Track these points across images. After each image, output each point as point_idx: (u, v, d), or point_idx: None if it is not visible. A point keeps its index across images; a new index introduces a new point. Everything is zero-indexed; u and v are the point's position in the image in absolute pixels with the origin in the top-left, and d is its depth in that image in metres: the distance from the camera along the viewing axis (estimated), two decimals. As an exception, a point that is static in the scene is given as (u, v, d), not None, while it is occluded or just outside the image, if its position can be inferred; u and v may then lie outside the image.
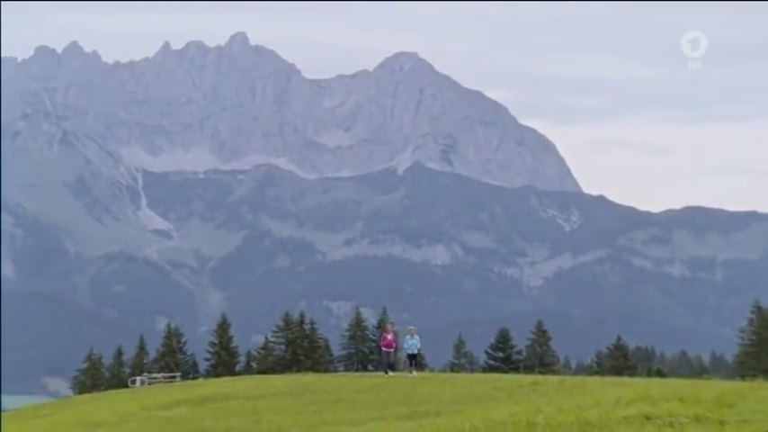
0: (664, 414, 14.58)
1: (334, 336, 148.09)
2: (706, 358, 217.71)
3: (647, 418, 14.47)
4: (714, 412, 14.52)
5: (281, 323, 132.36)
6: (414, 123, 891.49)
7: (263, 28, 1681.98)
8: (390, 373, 50.47)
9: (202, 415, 33.57)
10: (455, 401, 28.39)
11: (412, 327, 53.01)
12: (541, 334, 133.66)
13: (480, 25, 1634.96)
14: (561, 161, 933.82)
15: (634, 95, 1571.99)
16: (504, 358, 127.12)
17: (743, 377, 27.47)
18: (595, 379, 42.85)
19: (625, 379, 38.72)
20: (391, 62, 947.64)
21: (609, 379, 40.35)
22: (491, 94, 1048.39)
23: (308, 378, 54.66)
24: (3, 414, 61.87)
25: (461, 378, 45.21)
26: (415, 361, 51.88)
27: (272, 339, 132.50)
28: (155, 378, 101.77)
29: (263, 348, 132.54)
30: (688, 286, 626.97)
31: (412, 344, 51.14)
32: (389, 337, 52.75)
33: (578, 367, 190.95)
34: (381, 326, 46.67)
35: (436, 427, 15.49)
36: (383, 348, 52.79)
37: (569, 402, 17.46)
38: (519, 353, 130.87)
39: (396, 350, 55.01)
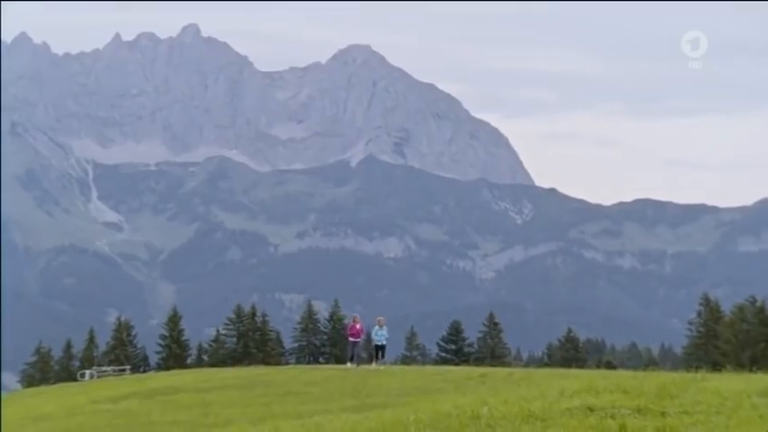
0: (606, 405, 14.70)
1: (286, 328, 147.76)
2: (655, 350, 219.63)
3: (590, 409, 14.58)
4: (656, 404, 14.66)
5: (232, 316, 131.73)
6: (367, 116, 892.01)
7: (216, 20, 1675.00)
8: (353, 365, 49.86)
9: (150, 408, 33.44)
10: (404, 394, 28.47)
11: (381, 317, 51.90)
12: (493, 326, 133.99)
13: (433, 18, 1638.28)
14: (514, 154, 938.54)
15: (586, 89, 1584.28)
16: (455, 351, 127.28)
17: (689, 369, 27.80)
18: (543, 371, 43.21)
19: (572, 371, 39.08)
20: (344, 55, 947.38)
21: (556, 371, 40.74)
22: (444, 87, 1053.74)
23: (258, 371, 54.54)
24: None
25: (411, 370, 45.37)
26: (382, 353, 51.10)
27: (224, 332, 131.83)
28: (104, 371, 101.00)
29: (214, 341, 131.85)
30: (638, 279, 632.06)
31: (381, 335, 50.39)
32: (358, 326, 51.94)
33: (530, 359, 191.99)
34: (343, 318, 45.85)
35: (382, 419, 15.50)
36: (350, 339, 52.28)
37: (514, 394, 17.56)
38: (470, 345, 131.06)
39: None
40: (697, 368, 24.75)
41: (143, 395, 39.93)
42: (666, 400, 14.95)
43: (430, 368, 46.08)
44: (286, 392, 34.17)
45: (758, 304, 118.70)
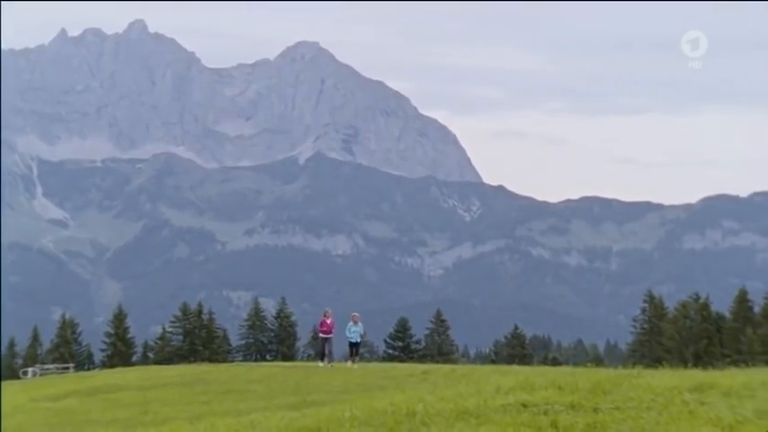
0: (540, 402, 14.79)
1: (233, 326, 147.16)
2: (601, 347, 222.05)
3: (524, 405, 14.67)
4: (589, 400, 14.77)
5: (178, 313, 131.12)
6: (315, 113, 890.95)
7: (163, 16, 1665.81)
8: (324, 364, 48.21)
9: (90, 406, 33.20)
10: (345, 391, 28.48)
11: (355, 313, 49.57)
12: (440, 323, 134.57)
13: (382, 16, 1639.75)
14: (462, 151, 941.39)
15: (533, 87, 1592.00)
16: (402, 348, 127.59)
17: (632, 365, 28.08)
18: (484, 368, 43.34)
19: (513, 368, 39.26)
20: (292, 51, 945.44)
21: (498, 368, 40.86)
22: (393, 84, 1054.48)
23: (202, 368, 54.24)
24: None
25: (355, 368, 45.31)
26: (357, 350, 49.25)
27: (170, 330, 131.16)
28: (47, 369, 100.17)
29: (159, 339, 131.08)
30: (584, 275, 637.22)
31: (355, 331, 48.31)
32: (329, 321, 49.40)
33: (477, 356, 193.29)
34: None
35: (318, 416, 15.50)
36: (321, 335, 50.18)
37: (452, 391, 17.62)
38: (418, 342, 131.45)
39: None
40: (635, 365, 24.99)
41: (84, 393, 39.61)
42: (599, 397, 15.07)
43: (374, 365, 46.12)
44: (227, 390, 34.05)
45: (701, 301, 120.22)
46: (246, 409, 23.80)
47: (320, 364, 48.52)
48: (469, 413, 14.42)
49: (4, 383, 74.50)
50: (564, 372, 22.26)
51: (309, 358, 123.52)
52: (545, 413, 14.00)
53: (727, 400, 14.39)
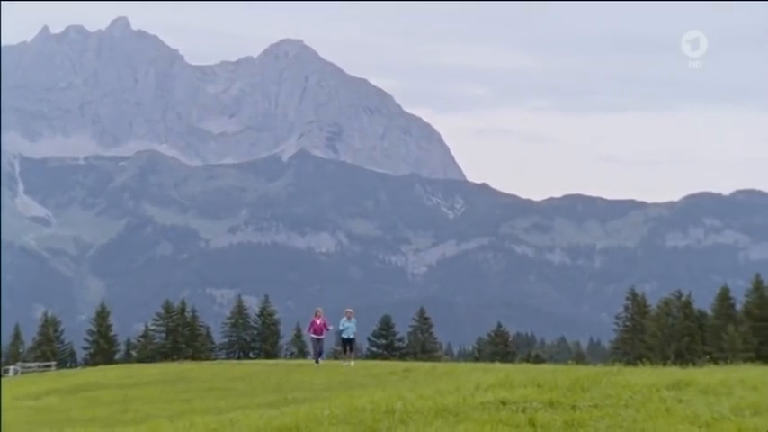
0: (519, 399, 14.84)
1: (217, 324, 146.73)
2: (584, 344, 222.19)
3: (503, 403, 14.70)
4: (567, 397, 14.82)
5: (161, 311, 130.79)
6: (299, 111, 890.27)
7: (146, 13, 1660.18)
8: (321, 362, 47.01)
9: (71, 404, 33.10)
10: (326, 389, 28.48)
11: (349, 309, 47.81)
12: (423, 321, 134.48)
13: (366, 14, 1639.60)
14: (446, 149, 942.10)
15: (517, 85, 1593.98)
16: (386, 345, 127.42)
17: (613, 363, 28.21)
18: (465, 365, 43.41)
19: (495, 365, 39.33)
20: (276, 49, 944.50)
21: (479, 365, 40.96)
22: (376, 82, 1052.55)
23: (184, 366, 54.05)
24: None
25: (337, 365, 45.27)
26: (351, 347, 47.02)
27: (153, 328, 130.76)
28: (29, 367, 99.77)
29: (142, 337, 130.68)
30: (568, 273, 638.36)
31: (348, 327, 46.47)
32: (319, 321, 47.47)
33: (460, 354, 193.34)
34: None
35: (297, 414, 15.50)
36: (312, 335, 48.45)
37: (432, 389, 17.64)
38: (401, 340, 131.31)
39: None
40: (614, 362, 25.12)
41: (65, 391, 39.49)
42: (578, 394, 15.12)
43: (356, 363, 45.93)
44: (209, 388, 34.00)
45: (683, 299, 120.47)
46: (227, 407, 23.79)
47: (316, 363, 47.09)
48: (448, 411, 14.45)
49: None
50: (544, 369, 22.34)
51: (293, 356, 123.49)
52: (523, 411, 14.04)
53: (704, 397, 14.46)
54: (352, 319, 47.02)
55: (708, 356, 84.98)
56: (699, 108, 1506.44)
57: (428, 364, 40.91)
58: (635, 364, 23.10)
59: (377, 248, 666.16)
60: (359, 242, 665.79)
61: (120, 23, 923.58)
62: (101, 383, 42.14)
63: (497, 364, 42.92)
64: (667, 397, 14.48)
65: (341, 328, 46.90)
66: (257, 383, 34.56)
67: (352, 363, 45.11)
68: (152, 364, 67.90)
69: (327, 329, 48.31)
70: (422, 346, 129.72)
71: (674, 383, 15.44)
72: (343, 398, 17.40)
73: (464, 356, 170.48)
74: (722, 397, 14.37)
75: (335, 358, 63.92)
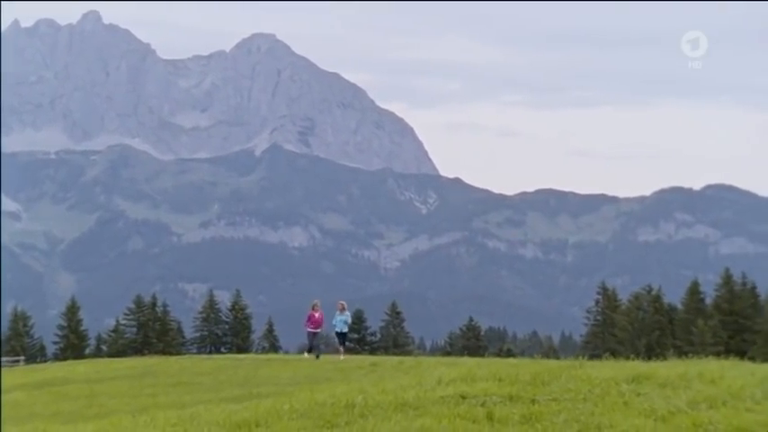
0: (479, 393, 14.88)
1: (189, 318, 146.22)
2: (556, 338, 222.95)
3: (463, 397, 14.74)
4: (527, 391, 14.89)
5: (132, 306, 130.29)
6: (271, 105, 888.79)
7: (117, 7, 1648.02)
8: (310, 356, 45.20)
9: (36, 399, 32.94)
10: (292, 383, 28.42)
11: (342, 301, 47.07)
12: (395, 315, 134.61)
13: (338, 8, 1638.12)
14: (419, 144, 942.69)
15: (490, 80, 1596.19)
16: (358, 340, 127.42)
17: (578, 357, 28.39)
18: (432, 360, 43.45)
19: (460, 360, 39.39)
20: (248, 43, 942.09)
21: (444, 360, 40.96)
22: (349, 76, 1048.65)
23: (152, 361, 53.87)
24: None
25: (302, 360, 45.20)
26: (344, 340, 46.63)
27: (123, 322, 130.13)
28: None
29: (113, 331, 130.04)
30: (540, 268, 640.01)
31: (342, 320, 45.81)
32: (317, 315, 46.10)
33: (433, 348, 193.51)
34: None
35: (258, 408, 15.49)
36: (309, 329, 46.31)
37: (395, 383, 17.66)
38: (373, 334, 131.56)
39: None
40: (578, 356, 25.19)
41: (32, 386, 39.26)
42: (538, 388, 15.18)
43: (325, 357, 45.86)
44: (175, 383, 33.88)
45: (654, 293, 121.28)
46: (192, 401, 23.70)
47: (305, 355, 46.11)
48: (408, 405, 14.48)
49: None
50: (507, 363, 22.40)
51: (264, 351, 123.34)
52: (483, 405, 14.07)
53: (662, 390, 14.55)
54: (346, 312, 46.40)
55: (676, 350, 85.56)
56: (670, 103, 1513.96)
57: (396, 359, 40.87)
58: (603, 359, 23.23)
59: (349, 243, 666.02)
60: (331, 237, 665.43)
61: (92, 17, 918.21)
62: (68, 378, 41.97)
63: (463, 359, 43.00)
64: (626, 391, 14.57)
65: (333, 322, 46.22)
66: (224, 378, 34.50)
67: (342, 357, 44.35)
68: (121, 359, 67.67)
69: (323, 324, 47.41)
70: (394, 341, 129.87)
71: (633, 377, 15.52)
72: (306, 392, 17.39)
73: (436, 351, 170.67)
74: (680, 390, 14.46)
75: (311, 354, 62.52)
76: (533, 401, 14.14)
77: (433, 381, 16.76)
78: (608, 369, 16.91)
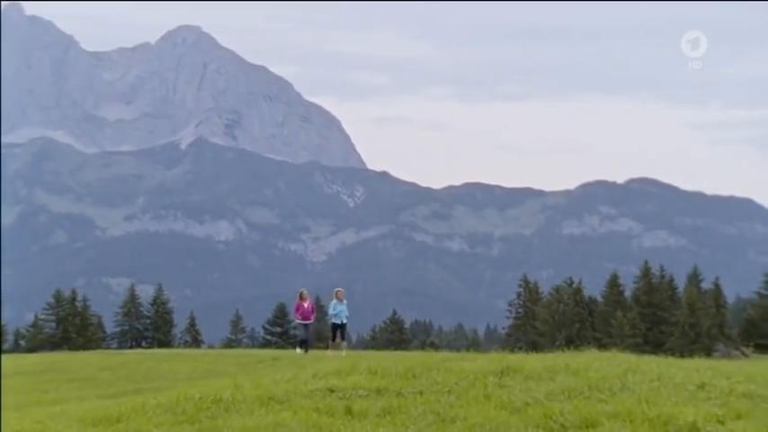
0: (348, 387, 14.91)
1: (112, 313, 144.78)
2: (481, 331, 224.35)
3: (331, 391, 14.76)
4: (396, 384, 14.93)
5: (51, 300, 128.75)
6: (197, 98, 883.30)
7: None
8: (301, 351, 41.48)
9: None
10: (188, 378, 28.30)
11: (340, 289, 41.96)
12: (319, 309, 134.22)
13: (264, 1, 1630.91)
14: (346, 137, 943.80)
15: (417, 74, 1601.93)
16: (280, 333, 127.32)
17: (510, 350, 28.66)
18: (332, 353, 43.20)
19: (367, 352, 39.37)
20: (174, 35, 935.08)
21: (352, 353, 40.45)
22: (276, 69, 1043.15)
23: (60, 356, 53.24)
24: None
25: (208, 354, 44.99)
26: (343, 333, 41.19)
27: (42, 317, 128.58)
28: None
29: (32, 326, 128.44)
30: (466, 261, 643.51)
31: (340, 310, 40.67)
32: (306, 305, 42.30)
33: (358, 342, 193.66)
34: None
35: (126, 404, 15.35)
36: (298, 321, 42.99)
37: (270, 377, 17.63)
38: (296, 328, 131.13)
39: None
40: (503, 349, 25.35)
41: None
42: (407, 381, 15.22)
43: (232, 351, 45.77)
44: (73, 379, 33.55)
45: (574, 286, 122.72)
46: (77, 397, 23.49)
47: (297, 350, 42.44)
48: (275, 399, 14.48)
49: None
50: (384, 356, 22.56)
51: (186, 345, 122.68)
52: (348, 398, 14.10)
53: (526, 383, 14.69)
54: (345, 301, 41.24)
55: (596, 342, 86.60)
56: (595, 98, 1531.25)
57: (301, 352, 40.59)
58: (526, 351, 23.40)
59: (276, 236, 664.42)
60: (258, 230, 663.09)
61: (14, 8, 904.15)
62: (-32, 375, 41.28)
63: (369, 352, 43.01)
64: (491, 383, 14.68)
65: (332, 312, 40.90)
66: (124, 373, 34.24)
67: (343, 353, 38.03)
68: (26, 355, 66.64)
69: (314, 315, 43.92)
70: (318, 335, 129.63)
71: (501, 370, 15.64)
72: (183, 387, 17.28)
73: (362, 344, 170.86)
74: (543, 382, 14.60)
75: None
76: (399, 394, 14.18)
77: (308, 374, 16.76)
78: (482, 362, 17.02)
